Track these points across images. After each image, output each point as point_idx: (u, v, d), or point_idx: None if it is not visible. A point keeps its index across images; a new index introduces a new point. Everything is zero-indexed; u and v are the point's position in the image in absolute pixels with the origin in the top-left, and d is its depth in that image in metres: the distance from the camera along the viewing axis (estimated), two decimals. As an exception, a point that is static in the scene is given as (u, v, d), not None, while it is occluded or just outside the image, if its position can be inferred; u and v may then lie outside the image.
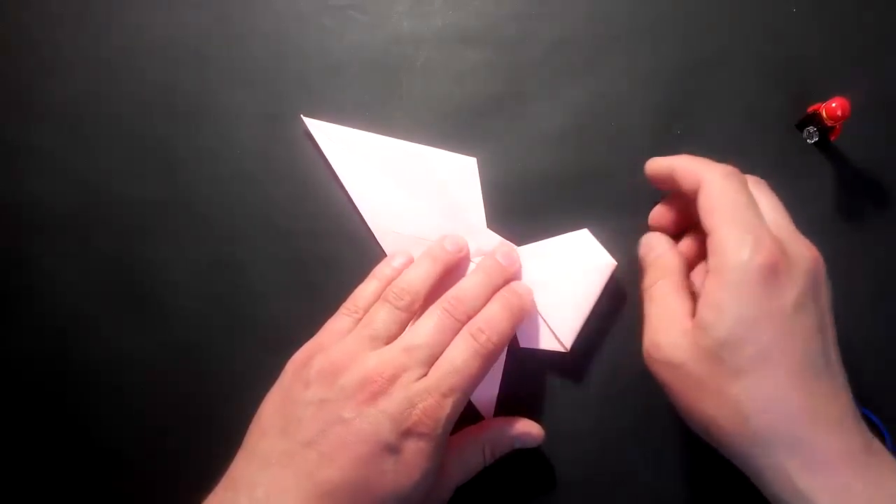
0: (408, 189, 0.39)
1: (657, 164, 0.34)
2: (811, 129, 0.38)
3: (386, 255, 0.38)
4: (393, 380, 0.30)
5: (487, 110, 0.40)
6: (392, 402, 0.30)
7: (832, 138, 0.38)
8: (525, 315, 0.35)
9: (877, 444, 0.28)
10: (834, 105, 0.36)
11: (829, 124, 0.37)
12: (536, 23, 0.41)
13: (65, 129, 0.41)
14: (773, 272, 0.28)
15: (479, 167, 0.39)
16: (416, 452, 0.30)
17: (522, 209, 0.39)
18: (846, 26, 0.40)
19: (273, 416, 0.32)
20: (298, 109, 0.40)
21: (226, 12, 0.42)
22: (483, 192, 0.39)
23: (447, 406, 0.30)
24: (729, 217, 0.29)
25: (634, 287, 0.37)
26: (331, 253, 0.39)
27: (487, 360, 0.32)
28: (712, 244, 0.29)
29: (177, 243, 0.39)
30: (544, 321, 0.37)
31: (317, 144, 0.39)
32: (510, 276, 0.36)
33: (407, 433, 0.30)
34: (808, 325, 0.28)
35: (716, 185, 0.30)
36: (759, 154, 0.39)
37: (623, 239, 0.37)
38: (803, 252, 0.29)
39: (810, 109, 0.38)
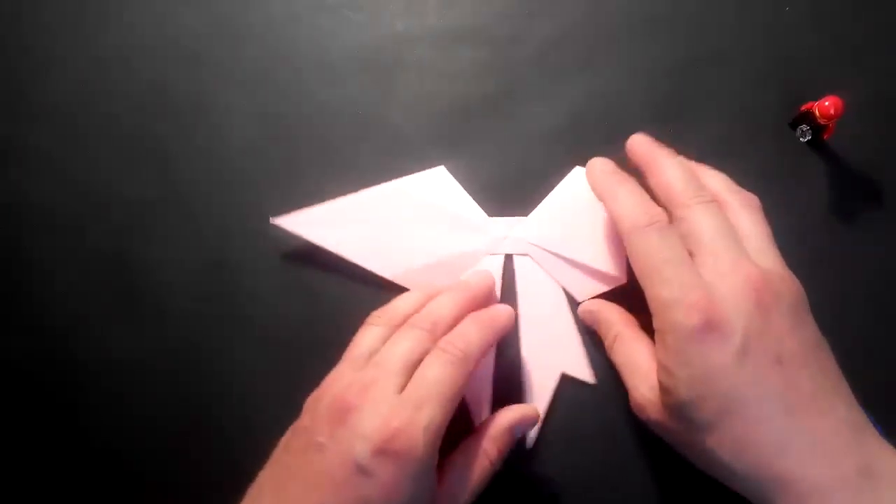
0: (400, 226, 0.38)
1: (592, 182, 0.34)
2: (804, 127, 0.38)
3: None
4: (362, 395, 0.29)
5: (482, 109, 0.40)
6: (363, 420, 0.28)
7: (825, 137, 0.38)
8: (501, 330, 0.33)
9: (881, 462, 0.27)
10: (827, 104, 0.36)
11: (822, 123, 0.37)
12: (531, 21, 0.41)
13: (59, 128, 0.41)
14: (708, 329, 0.27)
15: (473, 166, 0.39)
16: (394, 474, 0.28)
17: (517, 207, 0.39)
18: (839, 25, 0.40)
19: (276, 452, 0.31)
20: (293, 108, 0.40)
21: (220, 12, 0.42)
22: (478, 191, 0.39)
23: (422, 420, 0.28)
24: (654, 278, 0.29)
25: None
26: (314, 246, 0.39)
27: (459, 368, 0.30)
28: (648, 302, 0.30)
29: (172, 242, 0.39)
30: (589, 268, 0.37)
31: (298, 237, 0.38)
32: (485, 295, 0.35)
33: (382, 452, 0.28)
34: (760, 364, 0.27)
35: (633, 242, 0.30)
36: (752, 153, 0.39)
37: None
38: (740, 291, 0.28)
39: (803, 108, 0.38)
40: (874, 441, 0.28)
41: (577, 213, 0.38)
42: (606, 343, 0.34)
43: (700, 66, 0.40)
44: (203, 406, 0.38)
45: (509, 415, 0.34)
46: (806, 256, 0.37)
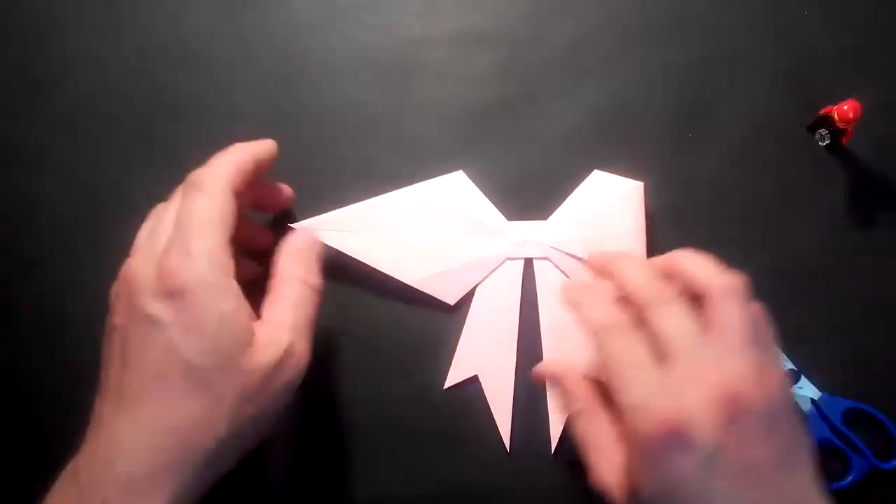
0: (420, 230, 0.38)
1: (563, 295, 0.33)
2: (823, 131, 0.38)
3: (427, 299, 0.38)
4: (135, 265, 0.30)
5: (500, 111, 0.40)
6: (137, 282, 0.29)
7: (844, 141, 0.38)
8: (245, 154, 0.32)
9: None
10: (846, 108, 0.36)
11: (840, 127, 0.37)
12: (550, 23, 0.40)
13: (70, 129, 0.40)
14: (672, 440, 0.26)
15: (491, 168, 0.39)
16: (184, 310, 0.28)
17: (536, 210, 0.39)
18: (858, 29, 0.40)
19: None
20: (310, 111, 0.40)
21: (235, 16, 0.41)
22: (497, 194, 0.39)
23: (188, 251, 0.28)
24: (619, 382, 0.28)
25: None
26: (335, 251, 0.39)
27: (203, 195, 0.30)
28: (616, 403, 0.29)
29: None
30: None
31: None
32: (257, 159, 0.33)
33: (164, 297, 0.28)
34: (727, 476, 0.26)
35: (599, 345, 0.29)
36: (771, 156, 0.39)
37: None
38: (707, 402, 0.26)
39: (822, 112, 0.38)
40: None
41: (597, 215, 0.38)
42: (567, 412, 0.32)
43: (718, 69, 0.40)
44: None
45: (297, 238, 0.33)
46: (825, 260, 0.38)
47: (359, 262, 0.37)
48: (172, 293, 0.28)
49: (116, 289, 0.30)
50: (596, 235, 0.37)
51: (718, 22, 0.40)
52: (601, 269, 0.33)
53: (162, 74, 0.41)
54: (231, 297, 0.29)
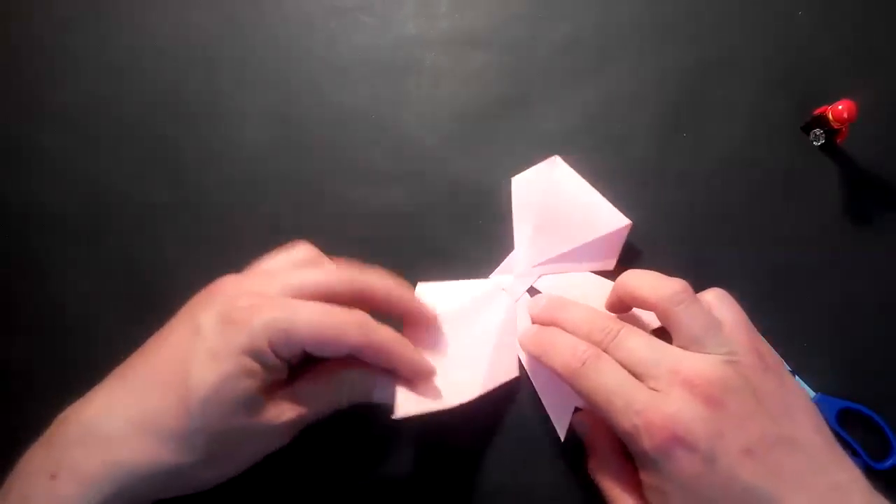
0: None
1: (526, 349, 0.34)
2: (817, 131, 0.38)
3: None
4: (240, 285, 0.31)
5: (495, 112, 0.40)
6: (225, 296, 0.30)
7: (838, 141, 0.38)
8: (397, 300, 0.32)
9: None
10: (840, 107, 0.36)
11: (835, 127, 0.37)
12: (543, 25, 0.41)
13: (73, 131, 0.41)
14: (673, 445, 0.27)
15: (486, 168, 0.39)
16: (224, 339, 0.28)
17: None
18: (853, 29, 0.40)
19: None
20: (306, 111, 0.40)
21: (234, 15, 0.42)
22: (492, 193, 0.39)
23: (274, 311, 0.29)
24: (608, 411, 0.29)
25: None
26: (336, 255, 0.39)
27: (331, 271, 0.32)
28: (617, 433, 0.30)
29: (184, 245, 0.39)
30: (594, 243, 0.37)
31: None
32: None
33: (221, 318, 0.29)
34: (730, 462, 0.27)
35: (577, 386, 0.30)
36: (766, 157, 0.39)
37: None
38: (686, 399, 0.28)
39: (816, 112, 0.38)
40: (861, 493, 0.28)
41: (547, 212, 0.37)
42: (590, 461, 0.33)
43: (712, 70, 0.40)
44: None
45: (379, 376, 0.32)
46: (820, 259, 0.38)
47: None
48: (226, 321, 0.28)
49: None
50: (556, 228, 0.37)
51: (712, 23, 0.40)
52: (548, 322, 0.34)
53: (162, 75, 0.41)
54: (265, 370, 0.29)
